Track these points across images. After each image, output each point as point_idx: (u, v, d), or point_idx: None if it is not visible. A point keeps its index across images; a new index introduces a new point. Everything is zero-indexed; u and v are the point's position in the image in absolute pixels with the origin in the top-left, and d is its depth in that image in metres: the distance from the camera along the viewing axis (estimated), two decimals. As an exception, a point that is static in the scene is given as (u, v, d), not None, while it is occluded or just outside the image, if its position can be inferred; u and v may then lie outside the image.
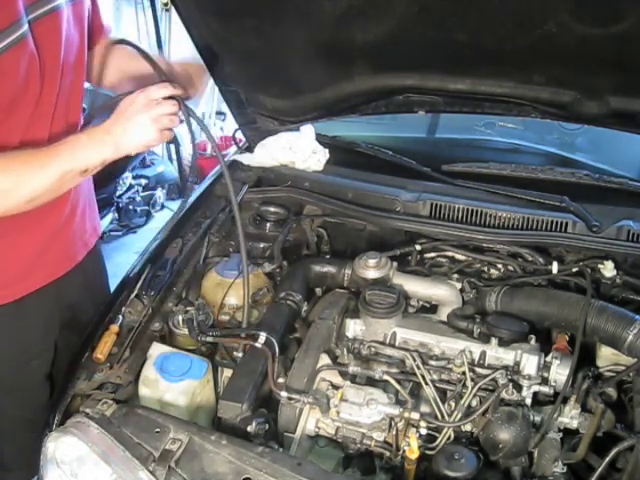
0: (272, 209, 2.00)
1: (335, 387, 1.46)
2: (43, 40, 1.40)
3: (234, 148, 2.26)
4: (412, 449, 1.31)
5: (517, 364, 1.51)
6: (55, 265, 1.66)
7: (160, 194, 5.01)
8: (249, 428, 1.37)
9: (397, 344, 1.59)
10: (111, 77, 1.75)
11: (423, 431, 1.38)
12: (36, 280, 1.61)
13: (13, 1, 1.32)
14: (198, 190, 2.10)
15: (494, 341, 1.53)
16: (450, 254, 1.87)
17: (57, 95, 1.48)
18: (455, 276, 1.76)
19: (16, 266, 1.57)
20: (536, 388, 1.46)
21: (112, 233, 4.62)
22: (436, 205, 1.87)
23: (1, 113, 1.36)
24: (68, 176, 1.38)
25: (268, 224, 1.98)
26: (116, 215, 4.57)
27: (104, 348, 1.51)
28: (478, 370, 1.50)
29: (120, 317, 1.59)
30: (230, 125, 5.19)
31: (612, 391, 1.47)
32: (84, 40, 1.57)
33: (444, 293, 1.69)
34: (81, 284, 1.73)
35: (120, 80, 1.73)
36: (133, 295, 1.65)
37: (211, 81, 1.86)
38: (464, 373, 1.47)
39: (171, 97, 1.44)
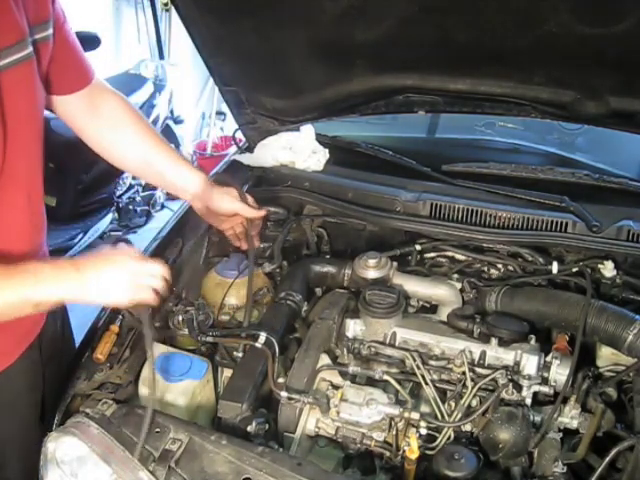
0: (272, 209, 1.99)
1: (335, 387, 1.46)
2: (11, 95, 1.21)
3: (234, 148, 2.27)
4: (412, 449, 1.31)
5: (517, 364, 1.51)
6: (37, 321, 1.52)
7: (160, 194, 5.00)
8: (249, 428, 1.37)
9: (397, 344, 1.59)
10: (97, 125, 1.56)
11: (423, 431, 1.38)
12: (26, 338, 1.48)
13: None
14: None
15: (494, 341, 1.53)
16: (450, 254, 1.87)
17: (28, 158, 1.32)
18: (455, 276, 1.76)
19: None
20: (536, 388, 1.46)
21: (112, 233, 4.62)
22: (436, 205, 1.87)
23: None
24: (18, 307, 1.20)
25: (268, 224, 1.98)
26: (116, 215, 4.57)
27: (104, 348, 1.51)
28: (478, 370, 1.50)
29: (120, 317, 1.59)
30: (230, 125, 5.19)
31: (612, 391, 1.47)
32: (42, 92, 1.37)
33: (444, 293, 1.69)
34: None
35: (110, 130, 1.58)
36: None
37: (211, 81, 1.85)
38: (464, 373, 1.47)
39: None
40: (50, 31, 1.32)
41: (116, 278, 1.27)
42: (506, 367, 1.50)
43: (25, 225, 1.37)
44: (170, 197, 5.22)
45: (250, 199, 1.72)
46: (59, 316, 1.66)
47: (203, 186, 1.64)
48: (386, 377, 1.45)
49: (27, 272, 1.20)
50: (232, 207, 1.67)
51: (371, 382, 1.50)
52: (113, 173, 4.32)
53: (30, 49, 1.24)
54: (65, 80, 1.45)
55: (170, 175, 1.63)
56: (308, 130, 2.08)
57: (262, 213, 1.72)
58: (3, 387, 1.43)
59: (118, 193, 4.51)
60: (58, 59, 1.38)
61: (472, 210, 1.85)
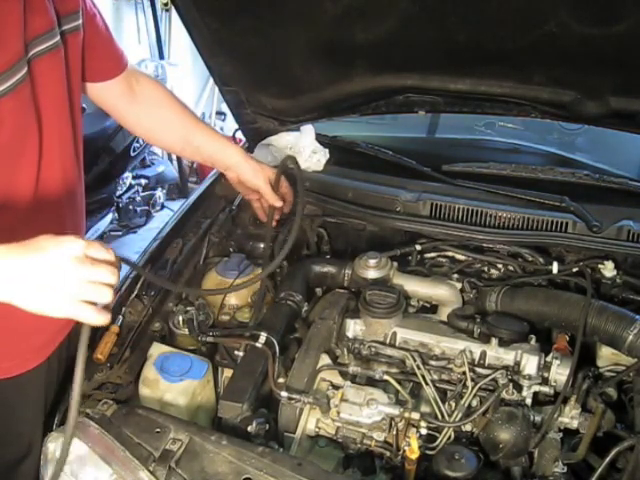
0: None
1: (335, 387, 1.46)
2: (42, 82, 1.25)
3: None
4: (412, 449, 1.31)
5: (517, 364, 1.51)
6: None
7: (160, 194, 5.01)
8: (249, 428, 1.37)
9: (397, 344, 1.59)
10: (134, 111, 1.62)
11: (423, 431, 1.38)
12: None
13: (14, 39, 1.17)
14: (198, 190, 2.10)
15: (494, 341, 1.53)
16: (450, 254, 1.86)
17: (60, 142, 1.34)
18: (455, 276, 1.76)
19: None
20: (536, 388, 1.46)
21: (112, 233, 4.62)
22: (436, 205, 1.87)
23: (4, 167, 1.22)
24: None
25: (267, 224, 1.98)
26: (116, 215, 4.57)
27: (104, 348, 1.51)
28: (478, 370, 1.50)
29: (120, 317, 1.59)
30: (230, 125, 5.19)
31: (612, 391, 1.47)
32: (80, 77, 1.42)
33: (444, 293, 1.69)
34: None
35: (147, 114, 1.64)
36: (133, 295, 1.65)
37: (211, 81, 1.87)
38: (464, 373, 1.47)
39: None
40: (79, 22, 1.35)
41: (51, 284, 1.00)
42: (506, 367, 1.50)
43: (63, 209, 1.39)
44: (170, 197, 5.23)
45: (285, 184, 1.76)
46: None
47: (237, 158, 1.72)
48: (386, 377, 1.46)
49: None
50: (256, 184, 1.73)
51: (371, 382, 1.49)
52: (113, 173, 4.33)
53: (58, 38, 1.27)
54: (101, 68, 1.50)
55: (207, 149, 1.73)
56: (308, 130, 2.08)
57: (279, 204, 1.73)
58: (33, 383, 1.45)
59: (118, 193, 4.51)
60: (93, 48, 1.42)
61: (472, 210, 1.84)
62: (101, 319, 1.05)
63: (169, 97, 1.69)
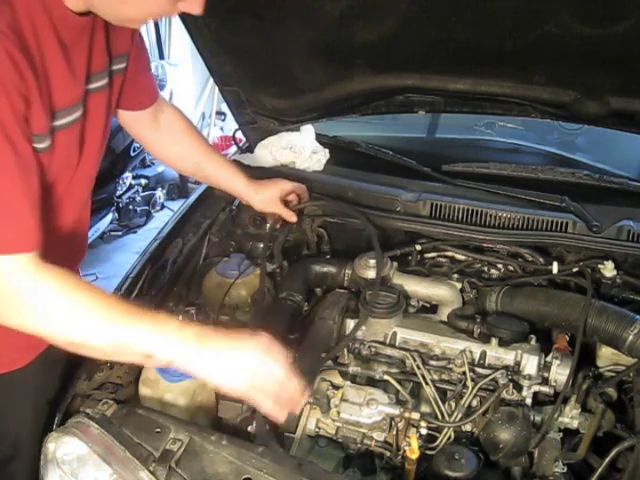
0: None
1: (335, 387, 1.46)
2: (91, 120, 1.34)
3: (234, 148, 2.27)
4: (412, 449, 1.31)
5: (517, 364, 1.51)
6: None
7: (160, 194, 5.01)
8: (249, 428, 1.37)
9: (397, 344, 1.58)
10: (159, 140, 1.73)
11: (423, 431, 1.38)
12: None
13: (83, 75, 1.25)
14: (198, 190, 2.10)
15: (494, 341, 1.53)
16: (450, 254, 1.86)
17: (89, 167, 1.44)
18: (455, 276, 1.75)
19: None
20: (536, 388, 1.46)
21: (112, 233, 4.62)
22: (436, 205, 1.87)
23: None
24: (127, 351, 1.15)
25: (268, 224, 1.98)
26: (116, 215, 4.58)
27: (104, 348, 1.50)
28: (478, 370, 1.50)
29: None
30: (230, 125, 5.20)
31: (612, 391, 1.47)
32: (113, 113, 1.51)
33: (444, 293, 1.68)
34: None
35: (170, 143, 1.74)
36: (133, 295, 1.65)
37: (211, 81, 1.88)
38: (464, 373, 1.47)
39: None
40: (126, 64, 1.44)
41: (236, 367, 1.18)
42: (506, 367, 1.49)
43: (68, 229, 1.46)
44: (170, 197, 5.24)
45: (293, 197, 1.90)
46: None
47: (245, 190, 1.83)
48: (386, 377, 1.46)
49: (152, 320, 1.16)
50: (269, 212, 1.88)
51: (371, 382, 1.49)
52: (113, 173, 4.33)
53: (107, 80, 1.36)
54: (136, 99, 1.59)
55: (216, 178, 1.84)
56: (308, 130, 2.08)
57: (294, 219, 1.88)
58: (20, 383, 1.45)
59: (118, 193, 4.52)
60: (134, 81, 1.51)
61: (472, 210, 1.84)
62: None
63: (188, 128, 1.78)
